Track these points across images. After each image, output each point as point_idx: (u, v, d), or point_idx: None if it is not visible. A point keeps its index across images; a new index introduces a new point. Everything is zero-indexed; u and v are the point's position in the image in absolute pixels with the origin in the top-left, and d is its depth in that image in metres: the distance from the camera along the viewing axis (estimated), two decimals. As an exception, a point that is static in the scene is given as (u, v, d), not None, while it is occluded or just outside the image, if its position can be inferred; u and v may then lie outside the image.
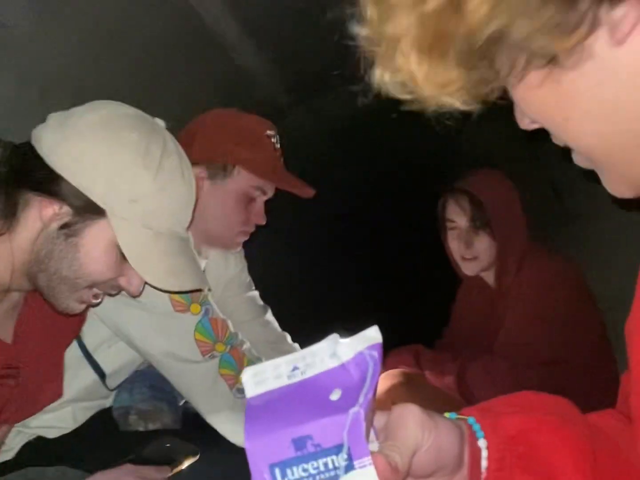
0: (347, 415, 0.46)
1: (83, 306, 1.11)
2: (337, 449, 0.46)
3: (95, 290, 1.09)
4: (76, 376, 1.42)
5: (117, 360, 1.47)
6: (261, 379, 0.51)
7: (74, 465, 1.25)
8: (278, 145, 1.63)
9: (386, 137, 3.39)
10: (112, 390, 1.51)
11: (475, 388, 1.77)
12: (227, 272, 1.80)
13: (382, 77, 0.48)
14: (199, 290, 1.34)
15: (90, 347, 1.43)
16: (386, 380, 1.88)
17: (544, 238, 2.38)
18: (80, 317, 1.32)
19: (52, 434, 1.42)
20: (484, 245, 1.96)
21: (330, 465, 0.45)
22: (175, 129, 1.60)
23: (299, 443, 0.46)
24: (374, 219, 4.36)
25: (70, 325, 1.29)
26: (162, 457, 1.22)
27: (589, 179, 0.59)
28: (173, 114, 1.96)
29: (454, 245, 2.02)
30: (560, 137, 0.51)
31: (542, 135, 0.53)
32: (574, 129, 0.48)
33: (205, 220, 1.56)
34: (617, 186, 0.54)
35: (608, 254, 2.27)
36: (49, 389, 1.28)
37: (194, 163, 1.54)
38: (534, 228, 2.02)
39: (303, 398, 0.49)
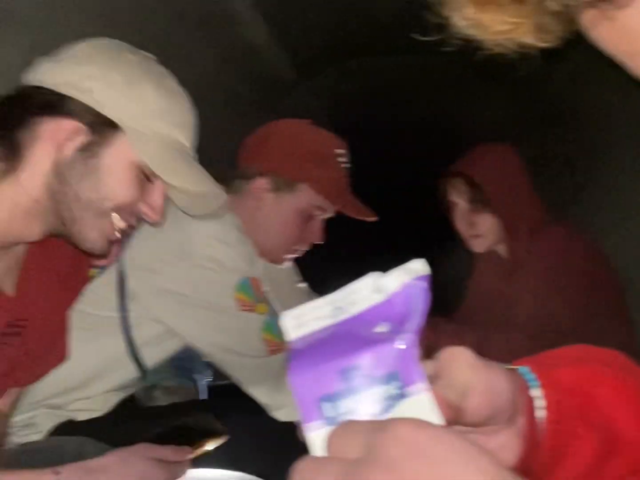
0: (397, 342, 0.44)
1: (106, 243, 1.06)
2: (389, 378, 0.43)
3: (117, 220, 1.05)
4: (116, 373, 1.43)
5: (161, 356, 1.47)
6: (301, 321, 0.48)
7: (97, 439, 1.23)
8: (346, 165, 1.59)
9: (394, 113, 3.36)
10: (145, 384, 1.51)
11: (495, 359, 1.75)
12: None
13: (456, 22, 0.45)
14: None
15: (138, 343, 1.41)
16: None
17: (559, 209, 2.36)
18: (84, 276, 1.29)
19: (82, 416, 1.41)
20: (487, 223, 1.95)
21: (383, 395, 0.43)
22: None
23: (346, 375, 0.44)
24: (380, 199, 4.34)
25: (74, 283, 1.26)
26: (186, 436, 1.17)
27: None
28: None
29: (459, 225, 2.02)
30: (634, 73, 0.49)
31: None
32: None
33: (261, 231, 1.54)
34: None
35: (625, 223, 2.25)
36: (55, 350, 1.25)
37: (260, 174, 1.54)
38: (549, 200, 2.00)
39: (348, 334, 0.46)
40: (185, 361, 1.49)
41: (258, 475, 1.25)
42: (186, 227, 1.31)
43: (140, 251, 1.36)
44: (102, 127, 0.99)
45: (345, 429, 0.41)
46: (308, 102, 2.93)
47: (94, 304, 1.37)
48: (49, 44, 1.52)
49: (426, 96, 3.37)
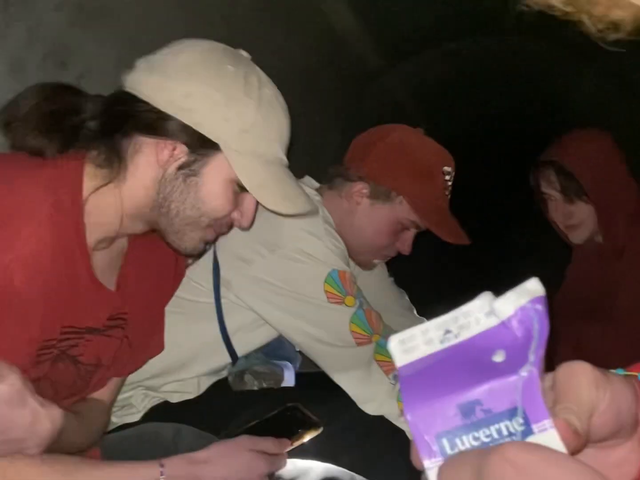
0: (519, 376, 0.41)
1: (200, 248, 1.11)
2: (511, 413, 0.41)
3: (211, 230, 1.09)
4: (210, 358, 1.47)
5: (252, 343, 1.50)
6: (410, 346, 0.46)
7: (192, 425, 1.27)
8: (450, 183, 1.56)
9: (484, 99, 3.27)
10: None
11: (593, 354, 1.69)
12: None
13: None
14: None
15: (230, 330, 1.46)
16: None
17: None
18: (181, 269, 1.32)
19: (175, 398, 1.46)
20: (584, 212, 1.86)
21: (505, 432, 0.41)
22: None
23: (466, 410, 0.41)
24: (466, 187, 4.24)
25: (171, 276, 1.29)
26: (283, 428, 1.17)
27: None
28: (268, 70, 1.96)
29: (555, 216, 1.94)
30: None
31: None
32: None
33: (353, 235, 1.53)
34: None
35: None
36: (152, 341, 1.29)
37: (361, 178, 1.54)
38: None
39: (462, 363, 0.44)
40: (277, 347, 1.51)
41: (349, 469, 1.26)
42: (277, 218, 1.32)
43: (233, 240, 1.38)
44: (201, 146, 1.02)
45: (455, 458, 0.40)
46: (394, 88, 2.89)
47: (190, 291, 1.42)
48: (143, 39, 1.57)
49: (516, 80, 3.26)
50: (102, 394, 1.20)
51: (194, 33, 1.59)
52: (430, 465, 0.41)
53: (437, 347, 0.45)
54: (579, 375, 0.46)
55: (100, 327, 1.08)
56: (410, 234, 1.57)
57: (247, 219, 1.13)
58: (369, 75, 2.74)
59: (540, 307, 0.44)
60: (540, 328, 0.44)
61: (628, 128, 2.58)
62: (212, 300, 1.43)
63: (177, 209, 1.04)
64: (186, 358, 1.46)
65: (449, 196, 1.56)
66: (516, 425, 0.41)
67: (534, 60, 3.08)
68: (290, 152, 1.56)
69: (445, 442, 0.41)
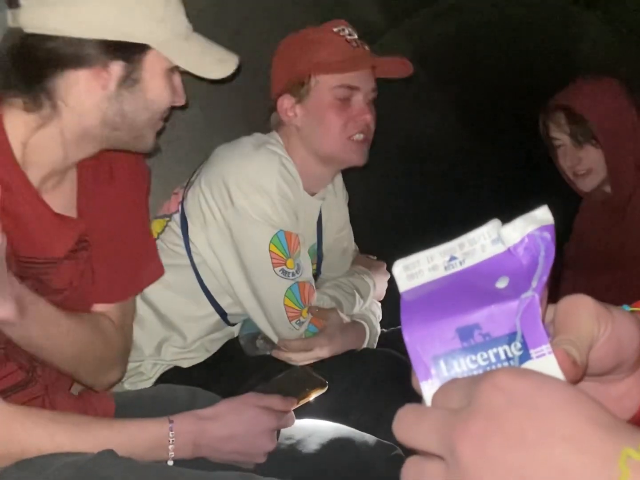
0: (519, 301, 0.41)
1: (156, 138, 1.16)
2: (510, 338, 0.41)
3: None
4: (200, 314, 1.52)
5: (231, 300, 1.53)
6: (414, 271, 0.45)
7: (201, 385, 1.29)
8: (352, 36, 1.52)
9: (489, 53, 3.21)
10: (233, 325, 1.57)
11: (602, 300, 1.68)
12: (339, 213, 1.77)
13: None
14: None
15: (212, 292, 1.52)
16: None
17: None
18: (143, 188, 1.31)
19: (186, 364, 1.50)
20: (593, 157, 1.84)
21: (502, 356, 0.41)
22: (267, 49, 1.58)
23: (464, 333, 0.41)
24: (475, 141, 4.20)
25: (134, 194, 1.28)
26: (289, 387, 1.20)
27: None
28: (264, 34, 1.94)
29: (563, 163, 1.91)
30: None
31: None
32: None
33: (311, 141, 1.53)
34: None
35: None
36: (148, 266, 1.31)
37: (278, 95, 1.54)
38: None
39: (465, 288, 0.43)
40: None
41: (357, 425, 1.27)
42: (231, 174, 1.40)
43: (193, 201, 1.47)
44: (131, 53, 1.03)
45: (449, 383, 0.40)
46: (398, 46, 2.84)
47: (168, 254, 1.48)
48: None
49: (523, 33, 3.20)
50: (108, 313, 1.20)
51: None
52: (427, 387, 0.41)
53: (441, 273, 0.45)
54: (579, 307, 0.45)
55: (62, 255, 1.08)
56: (358, 101, 1.51)
57: (181, 95, 1.16)
58: (371, 35, 2.69)
59: (547, 235, 0.44)
60: (546, 256, 0.43)
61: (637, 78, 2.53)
62: (187, 261, 1.49)
63: (132, 118, 1.06)
64: (177, 321, 1.51)
65: (361, 44, 1.53)
66: (514, 349, 0.40)
67: (537, 11, 3.02)
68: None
69: (442, 364, 0.41)
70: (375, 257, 1.86)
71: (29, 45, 0.99)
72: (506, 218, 0.46)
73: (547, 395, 0.36)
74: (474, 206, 3.20)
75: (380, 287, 1.73)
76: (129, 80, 1.04)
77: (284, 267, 1.43)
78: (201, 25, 1.18)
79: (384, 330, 1.70)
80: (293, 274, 1.45)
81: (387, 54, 1.65)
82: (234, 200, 1.41)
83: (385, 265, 1.80)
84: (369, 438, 1.21)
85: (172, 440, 0.98)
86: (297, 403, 1.17)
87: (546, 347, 0.40)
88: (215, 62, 1.13)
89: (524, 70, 3.38)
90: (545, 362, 0.40)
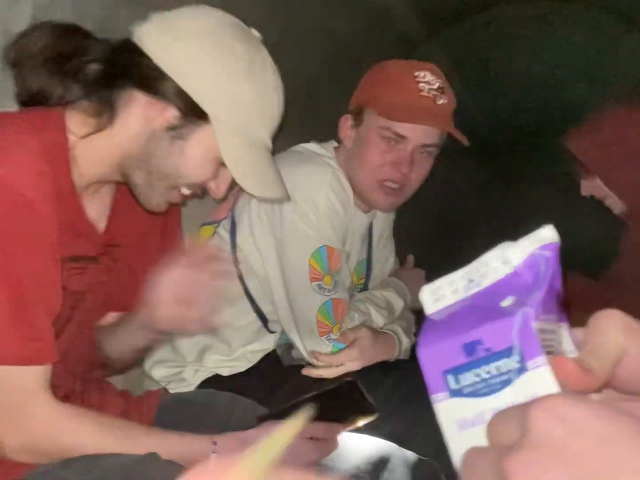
0: (516, 316, 0.44)
1: (166, 206, 1.13)
2: (508, 352, 0.44)
3: (185, 191, 1.11)
4: (242, 322, 1.54)
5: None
6: (438, 295, 0.50)
7: (241, 393, 1.30)
8: (430, 85, 1.50)
9: (527, 65, 3.20)
10: (273, 332, 1.59)
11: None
12: (387, 229, 1.79)
13: None
14: None
15: (256, 298, 1.54)
16: None
17: None
18: (171, 230, 1.32)
19: (226, 372, 1.52)
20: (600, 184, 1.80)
21: (503, 369, 0.44)
22: (308, 60, 1.60)
23: (469, 348, 0.45)
24: (508, 157, 4.18)
25: (157, 233, 1.28)
26: (337, 406, 1.13)
27: None
28: (307, 44, 1.96)
29: (582, 193, 1.88)
30: None
31: None
32: None
33: (351, 168, 1.54)
34: None
35: None
36: None
37: (348, 112, 1.57)
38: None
39: (476, 308, 0.47)
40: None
41: (390, 436, 1.25)
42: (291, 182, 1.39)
43: (242, 208, 1.50)
44: (192, 114, 1.03)
45: (498, 416, 0.41)
46: (436, 57, 2.85)
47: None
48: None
49: (562, 45, 3.18)
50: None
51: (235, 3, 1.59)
52: (437, 399, 0.45)
53: (460, 295, 0.49)
54: (606, 320, 0.46)
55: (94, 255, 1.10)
56: (404, 151, 1.49)
57: (221, 192, 1.14)
58: (410, 45, 2.70)
59: (548, 253, 0.46)
60: (544, 272, 0.46)
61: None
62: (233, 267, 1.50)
63: (157, 165, 1.05)
64: (222, 329, 1.51)
65: (433, 96, 1.49)
66: (513, 362, 0.43)
67: (575, 26, 3.00)
68: (332, 123, 1.57)
69: (450, 377, 0.45)
70: (412, 264, 1.86)
71: (126, 49, 1.03)
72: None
73: (606, 423, 0.36)
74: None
75: (417, 296, 1.72)
76: (175, 132, 1.04)
77: (321, 282, 1.45)
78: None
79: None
80: (329, 291, 1.46)
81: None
82: (282, 209, 1.43)
83: (424, 274, 1.80)
84: (410, 455, 1.18)
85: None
86: (344, 429, 1.11)
87: (541, 359, 0.42)
88: (256, 180, 1.11)
89: (559, 82, 3.36)
90: (541, 372, 0.42)
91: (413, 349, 1.64)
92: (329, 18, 2.08)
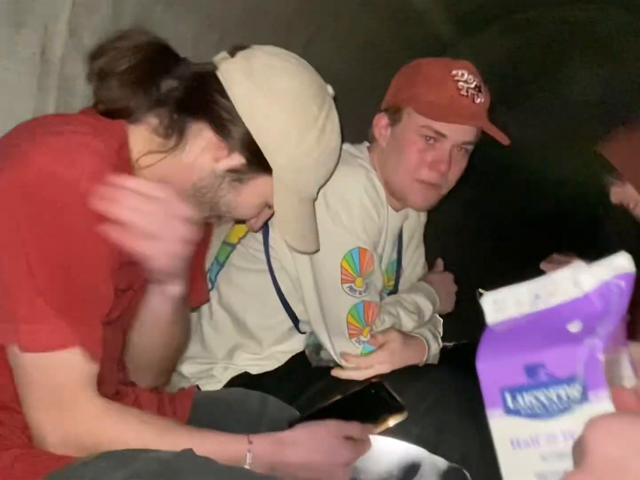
0: (584, 346, 0.43)
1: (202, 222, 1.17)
2: (571, 380, 0.43)
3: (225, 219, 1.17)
4: (273, 321, 1.55)
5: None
6: (502, 305, 0.49)
7: (270, 392, 1.31)
8: (468, 84, 1.49)
9: (557, 70, 3.17)
10: (303, 333, 1.59)
11: None
12: (418, 231, 1.78)
13: None
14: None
15: (287, 298, 1.55)
16: None
17: None
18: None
19: (255, 370, 1.54)
20: (631, 191, 1.75)
21: (564, 397, 0.43)
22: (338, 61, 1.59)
23: (531, 370, 0.44)
24: (536, 163, 4.14)
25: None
26: (367, 408, 1.14)
27: None
28: (337, 46, 1.97)
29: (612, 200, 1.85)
30: None
31: None
32: None
33: (386, 167, 1.55)
34: None
35: None
36: (196, 289, 1.30)
37: (382, 110, 1.56)
38: None
39: (541, 326, 0.47)
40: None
41: (418, 440, 1.24)
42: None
43: None
44: (256, 164, 1.06)
45: (624, 417, 0.41)
46: (467, 59, 2.84)
47: (248, 258, 1.53)
48: (219, 17, 1.58)
49: (594, 50, 3.15)
50: None
51: (272, 17, 1.60)
52: (492, 415, 0.45)
53: (525, 309, 0.48)
54: None
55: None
56: (442, 149, 1.49)
57: (257, 226, 1.25)
58: (441, 48, 2.69)
59: (623, 284, 0.46)
60: (618, 304, 0.45)
61: None
62: (266, 266, 1.53)
63: (211, 201, 1.09)
64: (252, 327, 1.54)
65: (472, 95, 1.49)
66: (575, 392, 0.43)
67: (610, 30, 2.96)
68: (365, 125, 1.57)
69: (508, 395, 0.45)
70: (441, 268, 1.85)
71: (208, 84, 1.05)
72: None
73: None
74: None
75: (445, 300, 1.72)
76: (236, 175, 1.07)
77: (352, 284, 1.45)
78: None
79: (447, 344, 1.69)
80: (360, 293, 1.46)
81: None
82: (316, 210, 1.43)
83: (452, 277, 1.79)
84: (440, 461, 1.17)
85: (249, 462, 0.98)
86: (376, 429, 1.12)
87: (604, 392, 0.42)
88: (299, 236, 1.17)
89: (594, 86, 3.32)
90: (602, 406, 0.42)
91: (442, 354, 1.64)
92: (362, 19, 2.08)
